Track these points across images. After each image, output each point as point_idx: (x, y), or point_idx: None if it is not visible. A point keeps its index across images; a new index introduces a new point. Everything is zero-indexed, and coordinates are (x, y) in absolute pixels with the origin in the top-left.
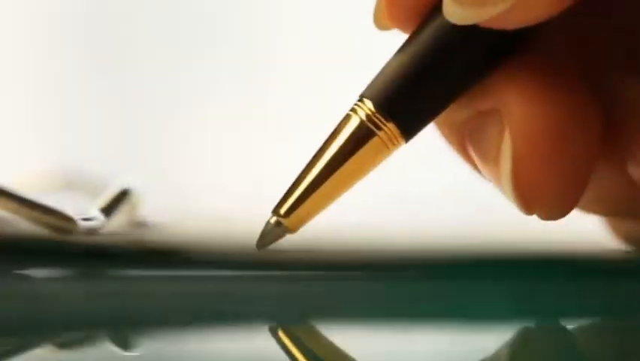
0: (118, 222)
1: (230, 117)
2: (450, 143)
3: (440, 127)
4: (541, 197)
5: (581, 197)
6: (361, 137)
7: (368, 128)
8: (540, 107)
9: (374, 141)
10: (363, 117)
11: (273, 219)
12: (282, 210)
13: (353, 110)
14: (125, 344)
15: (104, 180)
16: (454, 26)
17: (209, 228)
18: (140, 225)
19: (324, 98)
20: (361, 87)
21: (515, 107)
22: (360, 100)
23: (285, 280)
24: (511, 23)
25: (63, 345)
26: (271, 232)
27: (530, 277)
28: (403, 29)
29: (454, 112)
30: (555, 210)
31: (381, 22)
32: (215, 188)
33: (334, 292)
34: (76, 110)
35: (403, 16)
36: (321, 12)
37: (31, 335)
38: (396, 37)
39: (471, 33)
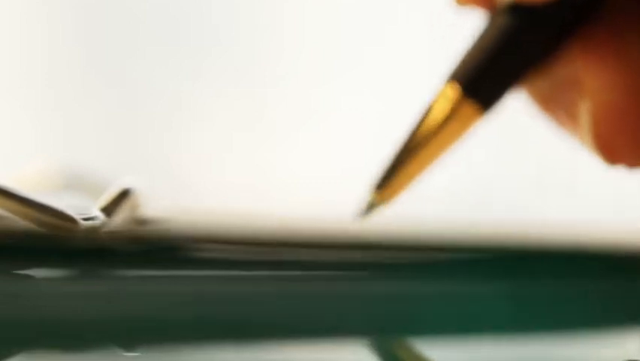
0: (119, 221)
1: (232, 116)
2: (540, 108)
3: (530, 95)
4: (622, 153)
5: None
6: (446, 114)
7: (453, 104)
8: (614, 75)
9: (458, 116)
10: (449, 96)
11: (371, 193)
12: (378, 184)
13: (439, 90)
14: (125, 345)
15: (105, 180)
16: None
17: (211, 228)
18: (142, 224)
19: (326, 97)
20: (363, 88)
21: (589, 76)
22: (447, 81)
23: (290, 280)
24: None
25: (63, 345)
26: (369, 205)
27: None
28: (482, 7)
29: (539, 81)
30: (637, 162)
31: (462, 0)
32: (216, 187)
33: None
34: (77, 109)
35: None
36: (325, 14)
37: (31, 335)
38: (398, 40)
39: (539, 9)
